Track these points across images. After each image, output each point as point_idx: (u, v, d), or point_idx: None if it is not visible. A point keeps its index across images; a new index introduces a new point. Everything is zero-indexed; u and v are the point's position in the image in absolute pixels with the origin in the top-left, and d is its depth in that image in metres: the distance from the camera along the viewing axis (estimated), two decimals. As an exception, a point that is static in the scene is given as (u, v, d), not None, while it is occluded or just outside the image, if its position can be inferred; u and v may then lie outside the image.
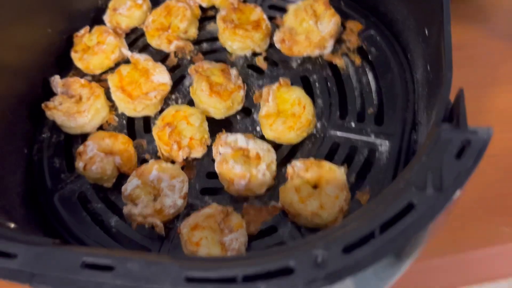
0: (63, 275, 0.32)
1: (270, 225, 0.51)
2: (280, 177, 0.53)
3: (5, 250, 0.33)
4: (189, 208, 0.53)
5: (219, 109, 0.57)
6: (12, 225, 0.42)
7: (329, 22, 0.59)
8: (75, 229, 0.54)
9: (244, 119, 0.59)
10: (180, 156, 0.54)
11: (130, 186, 0.51)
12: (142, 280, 0.31)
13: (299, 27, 0.60)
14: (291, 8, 0.62)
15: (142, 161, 0.57)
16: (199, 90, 0.56)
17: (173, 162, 0.55)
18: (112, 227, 0.53)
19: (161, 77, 0.59)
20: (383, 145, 0.54)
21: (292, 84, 0.57)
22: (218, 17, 0.62)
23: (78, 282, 0.32)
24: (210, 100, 0.56)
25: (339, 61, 0.60)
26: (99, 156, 0.54)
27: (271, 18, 0.65)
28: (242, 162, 0.52)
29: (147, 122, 0.60)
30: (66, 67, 0.66)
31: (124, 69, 0.59)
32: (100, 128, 0.60)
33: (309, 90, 0.58)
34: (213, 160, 0.56)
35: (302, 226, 0.50)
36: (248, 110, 0.59)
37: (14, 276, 0.33)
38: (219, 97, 0.56)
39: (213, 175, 0.55)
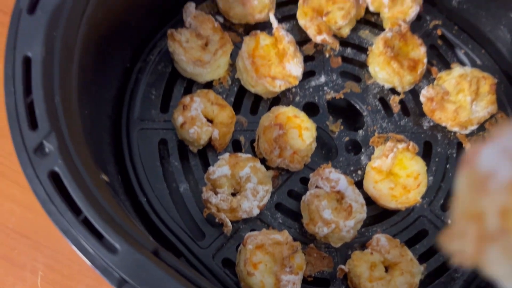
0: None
1: (325, 277, 0.50)
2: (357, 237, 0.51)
3: (110, 241, 0.31)
4: (259, 215, 0.51)
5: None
6: (106, 178, 0.39)
7: (485, 109, 0.54)
8: (142, 174, 0.51)
9: (350, 154, 0.55)
10: (277, 163, 0.51)
11: (219, 172, 0.49)
12: None
13: (454, 95, 0.54)
14: (456, 71, 0.55)
15: (234, 142, 0.54)
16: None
17: (263, 160, 0.52)
18: (180, 193, 0.51)
19: (295, 68, 0.54)
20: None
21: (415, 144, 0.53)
22: (380, 36, 0.55)
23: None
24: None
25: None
26: (201, 121, 0.51)
27: (429, 63, 0.58)
28: (333, 208, 0.49)
29: (257, 102, 0.56)
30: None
31: (263, 39, 0.54)
32: (211, 82, 0.55)
33: (426, 159, 0.54)
34: (302, 182, 0.53)
35: (355, 298, 0.49)
36: (358, 147, 0.55)
37: (106, 273, 0.31)
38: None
39: (294, 195, 0.53)
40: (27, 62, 0.36)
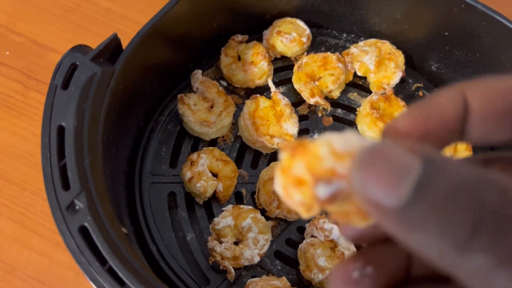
0: None
1: (320, 321, 0.54)
2: (349, 282, 0.55)
3: (131, 287, 0.36)
4: (259, 262, 0.56)
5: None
6: (125, 231, 0.44)
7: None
8: (152, 224, 0.56)
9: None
10: (275, 214, 0.56)
11: (223, 223, 0.54)
12: None
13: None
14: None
15: (236, 193, 0.59)
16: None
17: (263, 211, 0.57)
18: (187, 242, 0.56)
19: (291, 128, 0.60)
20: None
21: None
22: (367, 99, 0.62)
23: None
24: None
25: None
26: (207, 175, 0.56)
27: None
28: (327, 255, 0.54)
29: (257, 157, 0.62)
30: (209, 56, 0.66)
31: (262, 102, 0.60)
32: (215, 140, 0.61)
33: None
34: (299, 231, 0.58)
35: None
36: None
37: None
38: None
39: (292, 243, 0.58)
40: (61, 130, 0.42)
